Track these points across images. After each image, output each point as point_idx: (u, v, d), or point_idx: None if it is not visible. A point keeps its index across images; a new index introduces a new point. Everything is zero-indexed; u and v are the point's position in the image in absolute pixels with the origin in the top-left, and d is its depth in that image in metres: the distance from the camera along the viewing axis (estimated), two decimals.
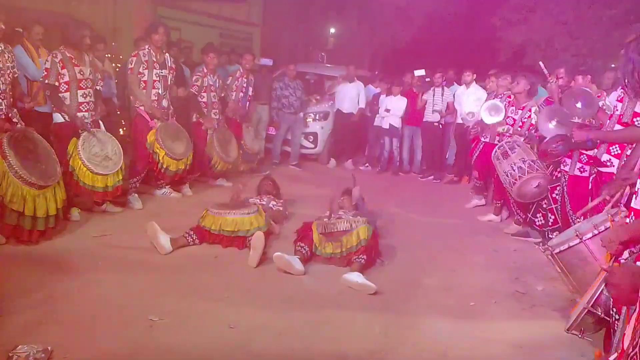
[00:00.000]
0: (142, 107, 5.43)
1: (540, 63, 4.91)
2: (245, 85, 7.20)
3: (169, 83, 5.63)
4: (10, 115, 4.18)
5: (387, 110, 8.42)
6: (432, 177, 8.45)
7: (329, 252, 4.15)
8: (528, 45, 13.93)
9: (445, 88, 8.11)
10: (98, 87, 5.03)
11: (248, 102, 7.39)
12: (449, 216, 6.20)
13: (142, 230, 4.31)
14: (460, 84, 8.09)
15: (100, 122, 5.01)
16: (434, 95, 8.10)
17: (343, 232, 4.14)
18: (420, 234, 5.37)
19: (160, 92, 5.50)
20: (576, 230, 3.01)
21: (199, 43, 8.65)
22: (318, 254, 4.20)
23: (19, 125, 4.17)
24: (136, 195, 5.40)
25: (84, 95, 4.77)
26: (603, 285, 2.49)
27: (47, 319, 2.97)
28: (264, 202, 5.05)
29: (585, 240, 2.88)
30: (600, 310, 2.54)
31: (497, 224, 5.94)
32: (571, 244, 2.96)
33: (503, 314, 3.58)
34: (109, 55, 6.97)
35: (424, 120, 8.30)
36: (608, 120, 3.70)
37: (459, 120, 7.76)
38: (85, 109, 4.77)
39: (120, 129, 6.75)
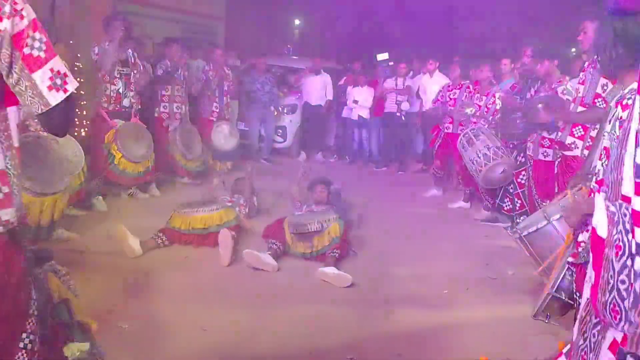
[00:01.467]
0: (102, 106, 5.30)
1: None
2: (217, 80, 7.07)
3: (131, 80, 5.44)
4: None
5: (355, 102, 8.42)
6: (385, 168, 8.45)
7: (300, 251, 4.14)
8: (490, 34, 14.11)
9: (407, 78, 8.14)
10: None
11: (225, 98, 7.26)
12: (420, 205, 6.26)
13: (107, 233, 4.20)
14: (424, 73, 8.13)
15: None
16: (396, 83, 8.11)
17: (314, 233, 4.11)
18: (391, 223, 5.39)
19: (120, 90, 5.35)
20: (544, 212, 3.06)
21: (160, 38, 8.45)
22: (290, 253, 4.17)
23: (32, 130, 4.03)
24: (100, 197, 5.22)
25: None
26: (565, 270, 2.54)
27: None
28: (234, 200, 4.98)
29: (552, 222, 2.93)
30: (564, 295, 2.59)
31: (467, 211, 6.02)
32: (539, 225, 3.01)
33: (476, 301, 3.62)
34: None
35: (385, 111, 8.30)
36: (572, 104, 3.77)
37: (424, 109, 7.81)
38: None
39: (82, 130, 6.55)
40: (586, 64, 3.59)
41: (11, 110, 1.41)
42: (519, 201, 4.92)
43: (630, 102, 1.69)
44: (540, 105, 3.91)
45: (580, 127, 3.84)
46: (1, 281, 1.36)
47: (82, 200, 4.94)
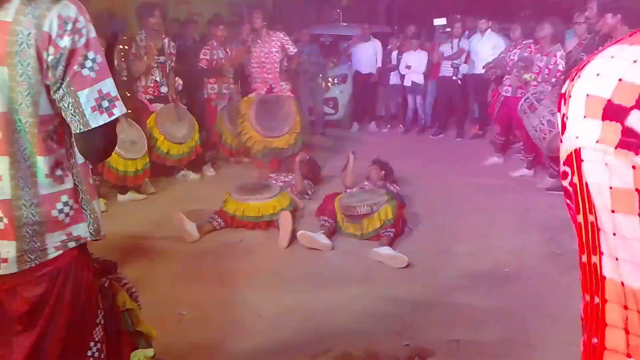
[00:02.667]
0: (141, 94, 5.40)
1: None
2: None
3: (167, 70, 5.49)
4: None
5: (408, 67, 8.12)
6: (442, 135, 8.14)
7: (351, 232, 4.08)
8: None
9: (463, 39, 7.73)
10: (123, 77, 5.08)
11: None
12: (480, 175, 5.97)
13: (163, 217, 4.32)
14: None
15: None
16: (452, 47, 7.73)
17: (364, 215, 4.01)
18: (448, 196, 5.21)
19: (157, 79, 5.41)
20: None
21: (208, 14, 8.44)
22: (342, 233, 4.13)
23: None
24: (147, 180, 5.29)
25: None
26: None
27: None
28: (288, 180, 4.98)
29: None
30: None
31: (530, 179, 5.72)
32: None
33: (538, 280, 3.45)
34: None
35: (440, 75, 7.94)
36: None
37: (477, 72, 7.40)
38: None
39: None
40: None
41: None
42: None
43: None
44: None
45: None
46: (73, 293, 1.40)
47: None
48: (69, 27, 1.24)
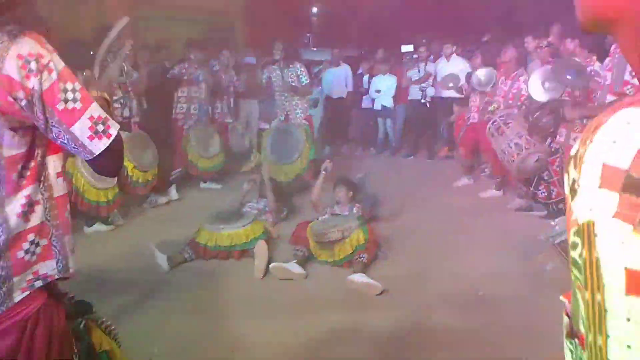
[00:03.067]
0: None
1: None
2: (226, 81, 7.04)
3: (129, 89, 5.46)
4: None
5: (378, 91, 8.24)
6: (412, 156, 8.27)
7: (324, 259, 4.06)
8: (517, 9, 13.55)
9: (430, 63, 7.91)
10: None
11: (232, 99, 7.23)
12: (451, 195, 6.06)
13: (133, 248, 4.24)
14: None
15: None
16: (419, 71, 7.90)
17: (335, 241, 4.00)
18: (422, 217, 5.25)
19: (121, 101, 5.37)
20: None
21: (182, 39, 8.43)
22: (315, 261, 4.11)
23: None
24: (115, 211, 5.15)
25: None
26: None
27: None
28: (261, 207, 4.94)
29: None
30: None
31: (500, 199, 5.82)
32: None
33: (513, 301, 3.48)
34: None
35: (409, 98, 8.10)
36: (599, 91, 3.54)
37: (444, 95, 7.60)
38: None
39: None
40: (612, 47, 3.35)
41: (51, 160, 1.34)
42: (555, 189, 4.72)
43: None
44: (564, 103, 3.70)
45: None
46: (44, 341, 1.32)
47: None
48: (33, 65, 1.17)
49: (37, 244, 1.30)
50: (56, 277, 1.36)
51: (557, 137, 4.46)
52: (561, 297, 1.00)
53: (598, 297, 0.72)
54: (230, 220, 4.29)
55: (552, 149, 4.63)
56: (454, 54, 7.44)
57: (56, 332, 1.36)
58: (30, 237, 1.28)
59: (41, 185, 1.31)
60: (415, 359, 2.87)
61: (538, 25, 5.91)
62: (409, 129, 8.50)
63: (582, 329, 0.79)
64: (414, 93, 8.03)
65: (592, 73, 3.97)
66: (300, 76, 6.27)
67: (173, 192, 5.97)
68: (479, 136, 5.48)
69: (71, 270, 1.40)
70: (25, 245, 1.28)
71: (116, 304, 3.50)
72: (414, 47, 8.17)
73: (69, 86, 1.22)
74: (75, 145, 1.26)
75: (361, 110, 8.78)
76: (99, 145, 1.27)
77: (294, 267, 3.85)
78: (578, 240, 0.75)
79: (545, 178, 4.75)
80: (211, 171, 6.51)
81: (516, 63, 5.48)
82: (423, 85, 7.86)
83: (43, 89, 1.19)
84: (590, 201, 0.72)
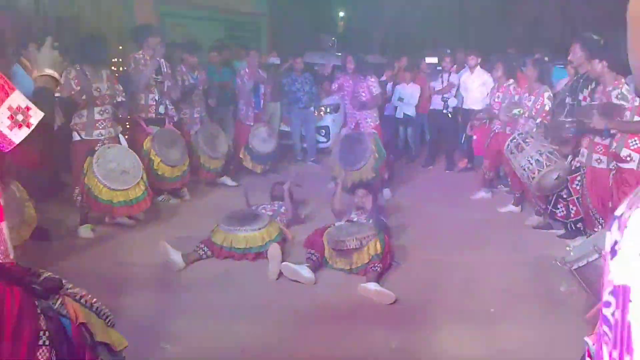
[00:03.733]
0: (139, 114, 5.48)
1: None
2: (252, 84, 7.14)
3: (165, 89, 5.63)
4: None
5: (401, 100, 8.22)
6: (431, 166, 8.21)
7: (339, 267, 4.07)
8: (543, 17, 13.41)
9: (453, 73, 7.88)
10: (119, 99, 5.00)
11: (262, 101, 7.32)
12: (468, 209, 6.00)
13: (150, 244, 4.29)
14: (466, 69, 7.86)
15: (121, 136, 5.02)
16: (442, 82, 7.88)
17: (353, 250, 4.01)
18: (437, 230, 5.22)
19: (157, 98, 5.52)
20: (594, 244, 2.85)
21: (204, 38, 8.54)
22: (329, 267, 4.12)
23: None
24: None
25: (101, 112, 4.76)
26: None
27: None
28: (275, 208, 4.97)
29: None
30: None
31: (517, 215, 5.76)
32: (590, 259, 2.80)
33: (524, 320, 3.45)
34: (116, 60, 6.89)
35: (431, 107, 8.08)
36: (628, 112, 3.50)
37: (466, 106, 7.56)
38: (102, 126, 4.77)
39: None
40: None
41: None
42: (574, 208, 4.66)
43: None
44: (594, 111, 3.65)
45: (636, 138, 3.57)
46: None
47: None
48: None
49: None
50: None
51: (579, 156, 4.41)
52: (585, 338, 1.01)
53: (626, 358, 0.74)
54: (245, 223, 4.32)
55: (573, 167, 4.57)
56: (478, 66, 7.40)
57: (7, 315, 1.38)
58: None
59: None
60: None
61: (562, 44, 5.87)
62: (430, 138, 8.46)
63: None
64: (436, 103, 8.00)
65: (619, 97, 3.91)
66: (372, 87, 6.36)
67: (185, 193, 6.07)
68: (501, 147, 5.43)
69: (12, 256, 1.45)
70: None
71: (127, 300, 3.57)
72: (438, 59, 8.14)
73: None
74: None
75: (383, 118, 8.75)
76: (18, 134, 1.30)
77: (304, 271, 3.87)
78: (612, 300, 0.77)
79: (565, 196, 4.70)
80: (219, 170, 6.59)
81: (538, 79, 5.44)
82: (445, 96, 7.83)
83: None
84: (630, 266, 0.73)
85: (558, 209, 4.83)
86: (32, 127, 1.33)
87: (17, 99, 1.31)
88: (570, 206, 4.69)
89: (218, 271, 4.09)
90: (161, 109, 5.57)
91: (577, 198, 4.58)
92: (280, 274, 3.95)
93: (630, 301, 0.72)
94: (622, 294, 0.74)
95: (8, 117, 1.29)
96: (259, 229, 4.26)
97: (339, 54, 11.42)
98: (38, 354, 1.47)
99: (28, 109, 1.33)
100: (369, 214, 4.56)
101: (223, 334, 3.19)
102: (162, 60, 5.63)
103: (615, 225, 0.79)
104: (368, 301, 3.65)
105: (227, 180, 6.73)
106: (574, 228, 4.75)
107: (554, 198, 4.82)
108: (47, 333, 1.50)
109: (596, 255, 2.78)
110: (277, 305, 3.60)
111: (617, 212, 0.80)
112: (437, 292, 3.85)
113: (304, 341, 3.14)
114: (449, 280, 4.04)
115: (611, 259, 0.78)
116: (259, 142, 7.02)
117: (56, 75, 1.63)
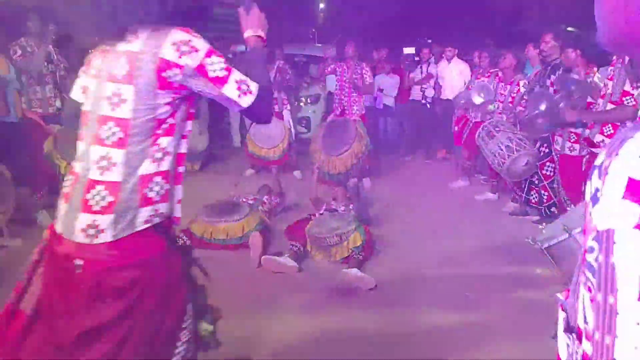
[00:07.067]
0: (35, 109, 4.82)
1: None
2: None
3: (58, 80, 5.01)
4: None
5: (380, 90, 8.28)
6: (410, 157, 8.31)
7: (320, 259, 4.13)
8: (520, 12, 13.60)
9: (432, 64, 7.96)
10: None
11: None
12: (447, 197, 6.14)
13: None
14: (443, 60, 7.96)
15: None
16: (421, 72, 7.95)
17: (333, 244, 4.06)
18: (417, 218, 5.32)
19: (54, 90, 4.94)
20: (564, 225, 2.94)
21: None
22: (310, 257, 4.18)
23: None
24: (44, 211, 4.69)
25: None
26: None
27: None
28: (257, 197, 4.98)
29: (574, 235, 2.82)
30: None
31: (495, 202, 5.89)
32: (560, 239, 2.90)
33: (501, 303, 3.55)
34: None
35: (410, 98, 8.16)
36: (601, 100, 3.61)
37: (443, 97, 7.68)
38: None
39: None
40: (614, 57, 3.42)
41: (183, 124, 1.65)
42: (546, 193, 4.79)
43: None
44: (562, 105, 3.75)
45: (610, 125, 3.68)
46: (162, 279, 1.61)
47: None
48: (184, 48, 1.53)
49: (162, 187, 1.60)
50: (168, 218, 1.65)
51: (553, 144, 4.52)
52: (558, 294, 1.06)
53: (610, 299, 0.76)
54: (225, 213, 4.33)
55: (542, 153, 4.70)
56: (455, 57, 7.49)
57: (174, 274, 1.66)
58: (157, 179, 1.59)
59: (173, 141, 1.62)
60: (401, 356, 2.94)
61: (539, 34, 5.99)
62: (409, 128, 8.54)
63: (582, 325, 0.86)
64: (415, 94, 8.08)
65: (592, 84, 4.03)
66: (365, 75, 6.49)
67: None
68: None
69: (179, 216, 1.70)
70: (153, 185, 1.58)
71: None
72: (416, 49, 8.22)
73: (215, 59, 1.56)
74: (228, 104, 1.62)
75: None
76: (246, 100, 1.60)
77: (287, 260, 3.92)
78: (595, 245, 0.80)
79: (536, 182, 4.83)
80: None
81: (515, 69, 5.57)
82: (424, 86, 7.91)
83: (195, 65, 1.53)
84: (612, 210, 0.76)
85: (531, 195, 4.96)
86: (255, 94, 1.61)
87: (237, 74, 1.60)
88: (542, 192, 4.82)
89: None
90: (58, 103, 4.95)
91: (549, 183, 4.71)
92: (262, 262, 3.99)
93: (614, 243, 0.75)
94: (605, 237, 0.77)
95: (237, 88, 1.59)
96: (239, 219, 4.28)
97: (319, 45, 11.46)
98: (186, 308, 1.71)
99: (246, 81, 1.61)
100: (351, 204, 4.61)
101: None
102: (51, 46, 4.96)
103: (595, 174, 0.82)
104: (349, 287, 3.71)
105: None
106: (548, 213, 4.89)
107: (527, 184, 4.95)
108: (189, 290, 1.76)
109: (565, 235, 2.88)
110: (260, 294, 3.63)
111: (597, 162, 0.83)
112: (415, 279, 3.93)
113: (286, 329, 3.18)
114: (426, 267, 4.13)
115: (593, 206, 0.81)
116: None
117: None
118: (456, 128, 6.78)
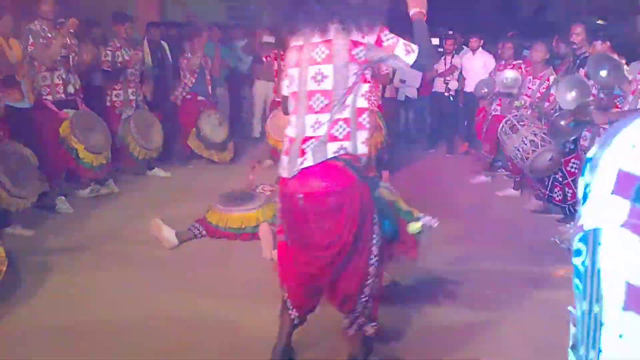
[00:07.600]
0: (47, 97, 4.75)
1: None
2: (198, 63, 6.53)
3: (71, 65, 4.93)
4: None
5: (402, 81, 8.12)
6: (432, 150, 8.14)
7: None
8: (546, 2, 13.20)
9: (455, 56, 7.77)
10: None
11: (208, 84, 6.82)
12: (467, 193, 5.98)
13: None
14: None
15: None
16: (444, 64, 7.77)
17: None
18: (435, 213, 5.14)
19: (63, 76, 4.82)
20: None
21: (205, 19, 8.45)
22: None
23: None
24: (62, 197, 4.82)
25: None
26: None
27: (46, 322, 2.98)
28: (275, 188, 4.91)
29: None
30: None
31: (517, 199, 5.72)
32: None
33: (520, 303, 3.43)
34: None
35: (433, 90, 7.98)
36: (631, 96, 3.43)
37: (467, 89, 7.47)
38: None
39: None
40: None
41: (363, 85, 2.25)
42: (570, 191, 4.62)
43: None
44: (591, 108, 3.59)
45: None
46: (359, 204, 2.24)
47: None
48: (365, 29, 2.14)
49: (344, 128, 2.19)
50: (351, 152, 2.21)
51: (581, 140, 4.35)
52: (570, 308, 0.96)
53: (596, 308, 0.69)
54: (241, 202, 4.29)
55: (567, 149, 4.53)
56: (480, 48, 7.29)
57: (366, 201, 2.27)
58: (341, 122, 2.19)
59: (355, 96, 2.20)
60: (416, 353, 2.85)
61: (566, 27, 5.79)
62: (431, 121, 8.38)
63: None
64: (438, 86, 7.91)
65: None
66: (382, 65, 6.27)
67: (111, 185, 5.46)
68: None
69: (361, 152, 2.27)
70: (337, 126, 2.19)
71: (112, 275, 3.59)
72: (440, 40, 8.02)
73: (387, 33, 2.17)
74: (396, 62, 2.21)
75: (383, 100, 8.65)
76: (409, 58, 2.18)
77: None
78: (582, 247, 0.72)
79: (560, 179, 4.66)
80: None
81: (545, 62, 5.37)
82: (447, 78, 7.73)
83: (372, 41, 2.15)
84: (600, 207, 0.68)
85: (555, 192, 4.80)
86: (417, 52, 2.17)
87: (403, 41, 2.18)
88: (567, 189, 4.65)
89: (211, 250, 4.08)
90: (70, 89, 4.88)
91: (573, 180, 4.54)
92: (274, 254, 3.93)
93: (599, 244, 0.67)
94: (592, 239, 0.69)
95: (404, 50, 2.16)
96: (254, 208, 4.23)
97: None
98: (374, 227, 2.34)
99: (410, 45, 2.19)
100: None
101: (214, 312, 3.18)
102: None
103: (587, 168, 0.75)
104: None
105: (158, 171, 6.21)
106: (572, 211, 4.71)
107: (550, 182, 4.78)
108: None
109: None
110: (269, 285, 3.56)
111: (589, 155, 0.75)
112: (432, 274, 3.82)
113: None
114: (443, 263, 4.01)
115: (583, 204, 0.74)
116: (205, 130, 6.63)
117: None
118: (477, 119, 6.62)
